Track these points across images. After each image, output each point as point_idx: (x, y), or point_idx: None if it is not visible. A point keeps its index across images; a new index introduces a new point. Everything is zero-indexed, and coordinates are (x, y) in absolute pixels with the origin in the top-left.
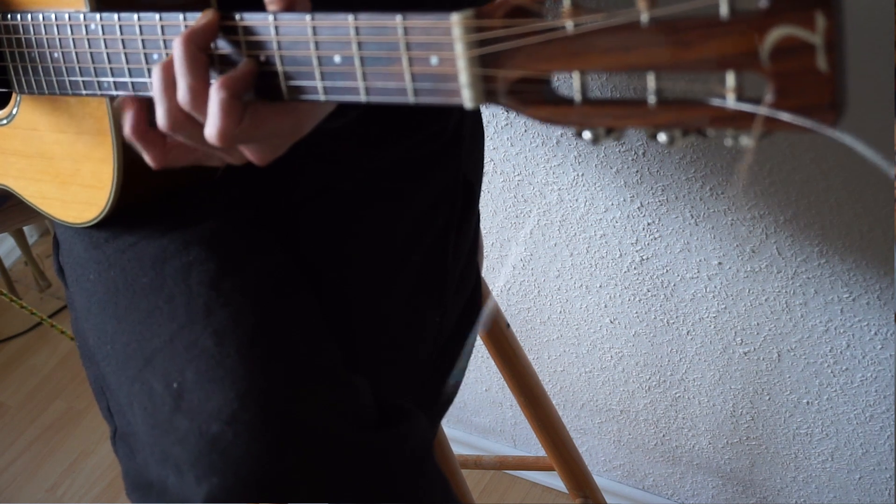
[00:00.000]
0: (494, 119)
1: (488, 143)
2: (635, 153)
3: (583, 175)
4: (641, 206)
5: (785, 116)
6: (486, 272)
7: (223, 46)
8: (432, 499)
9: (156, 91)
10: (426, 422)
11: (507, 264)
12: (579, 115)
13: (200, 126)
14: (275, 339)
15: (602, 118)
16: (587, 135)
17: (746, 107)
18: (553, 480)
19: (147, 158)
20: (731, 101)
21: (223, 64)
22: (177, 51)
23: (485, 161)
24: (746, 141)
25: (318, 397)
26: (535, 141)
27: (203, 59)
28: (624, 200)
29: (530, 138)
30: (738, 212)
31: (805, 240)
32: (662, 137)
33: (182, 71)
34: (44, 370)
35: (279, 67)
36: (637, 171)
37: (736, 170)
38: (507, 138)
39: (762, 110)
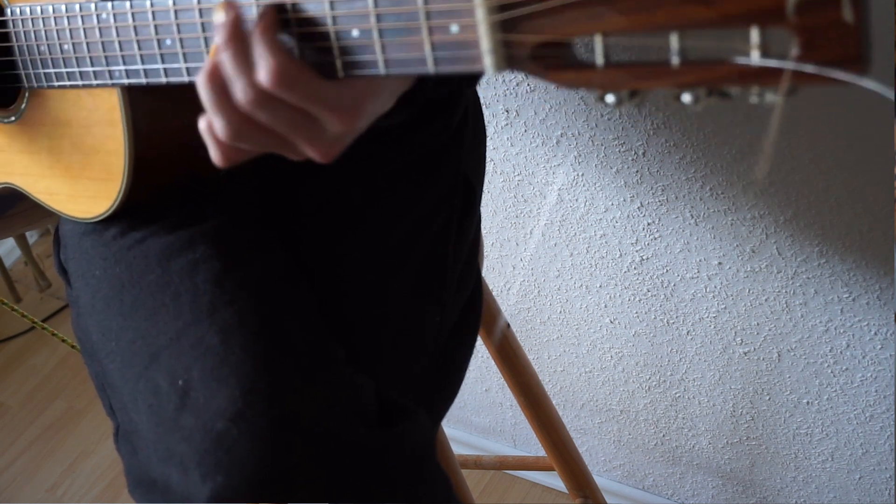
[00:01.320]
0: (494, 119)
1: (488, 143)
2: (635, 153)
3: (583, 175)
4: (641, 206)
5: (811, 69)
6: (487, 271)
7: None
8: (434, 497)
9: (209, 103)
10: (428, 420)
11: (537, 230)
12: (602, 79)
13: (263, 130)
14: (279, 336)
15: (625, 81)
16: (610, 98)
17: (772, 62)
18: (553, 480)
19: (213, 153)
20: (755, 58)
21: None
22: (224, 53)
23: (486, 161)
24: (772, 98)
25: (322, 395)
26: (535, 141)
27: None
28: (624, 200)
29: (530, 138)
30: (738, 212)
31: (805, 240)
32: (687, 98)
33: (236, 72)
34: (44, 370)
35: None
36: (637, 171)
37: (764, 138)
38: (507, 138)
39: (789, 65)
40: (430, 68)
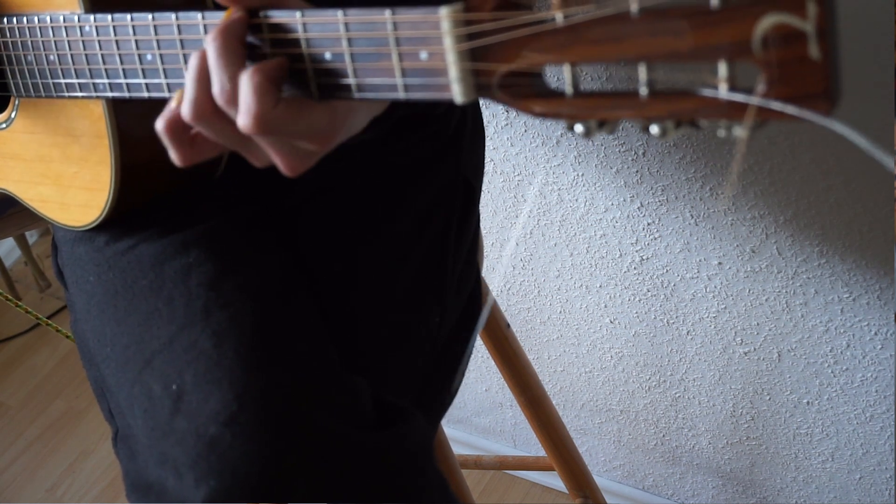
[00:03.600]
0: (494, 119)
1: (488, 143)
2: (635, 153)
3: (583, 175)
4: (641, 206)
5: (777, 106)
6: (486, 272)
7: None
8: (431, 499)
9: (189, 77)
10: (425, 422)
11: (505, 259)
12: (571, 108)
13: (224, 121)
14: (273, 339)
15: (593, 111)
16: (579, 128)
17: (738, 97)
18: (553, 480)
19: (173, 155)
20: (723, 92)
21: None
22: (213, 44)
23: (485, 161)
24: (739, 132)
25: (316, 398)
26: (535, 141)
27: (242, 50)
28: (624, 200)
29: (530, 138)
30: (738, 212)
31: (805, 240)
32: (654, 129)
33: (220, 63)
34: (44, 370)
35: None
36: (637, 171)
37: (731, 165)
38: (507, 138)
39: (754, 100)
40: (401, 94)
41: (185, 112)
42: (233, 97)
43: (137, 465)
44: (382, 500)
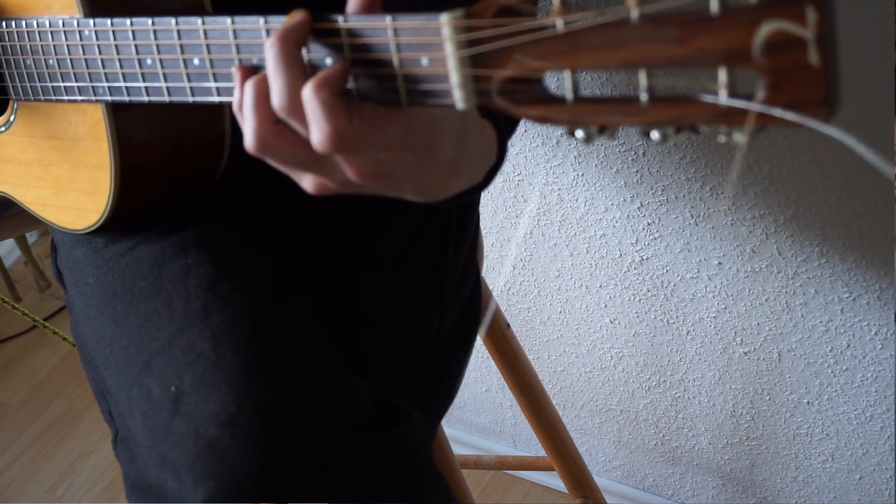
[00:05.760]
0: None
1: None
2: (635, 153)
3: (583, 175)
4: (641, 206)
5: (777, 112)
6: (487, 272)
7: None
8: (432, 500)
9: (247, 106)
10: (424, 422)
11: (507, 263)
12: (571, 114)
13: (292, 143)
14: (272, 340)
15: (594, 116)
16: (580, 133)
17: (738, 103)
18: (553, 480)
19: (249, 135)
20: (723, 98)
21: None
22: (272, 50)
23: None
24: (739, 137)
25: (315, 399)
26: (535, 141)
27: (301, 57)
28: (624, 200)
29: (530, 138)
30: (738, 212)
31: (805, 240)
32: (655, 135)
33: (279, 70)
34: (44, 370)
35: None
36: (637, 171)
37: (730, 168)
38: None
39: (754, 106)
40: (403, 100)
41: (249, 142)
42: (294, 109)
43: (137, 467)
44: (382, 501)
